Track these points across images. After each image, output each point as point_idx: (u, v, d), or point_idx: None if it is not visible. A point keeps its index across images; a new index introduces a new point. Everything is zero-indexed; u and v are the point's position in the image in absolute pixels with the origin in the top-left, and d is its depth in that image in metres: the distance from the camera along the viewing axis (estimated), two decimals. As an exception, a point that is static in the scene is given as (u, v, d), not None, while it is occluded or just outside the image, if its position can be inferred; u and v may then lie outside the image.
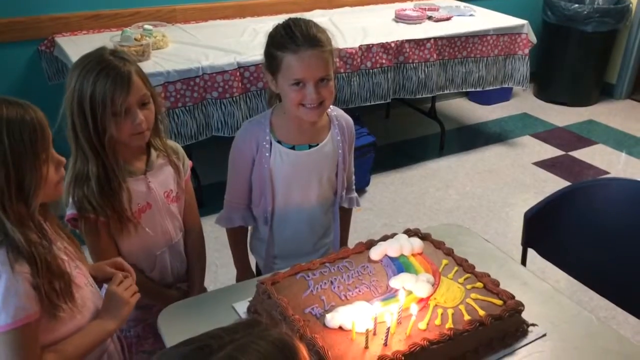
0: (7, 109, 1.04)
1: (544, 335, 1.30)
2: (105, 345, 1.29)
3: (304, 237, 1.68)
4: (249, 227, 1.74)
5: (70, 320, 1.17)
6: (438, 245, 1.49)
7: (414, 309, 1.21)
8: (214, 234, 2.71)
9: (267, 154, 1.55)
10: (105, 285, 1.33)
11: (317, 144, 1.58)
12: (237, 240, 1.73)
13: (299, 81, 1.42)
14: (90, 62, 1.33)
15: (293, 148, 1.56)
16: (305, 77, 1.42)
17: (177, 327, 1.30)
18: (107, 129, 1.34)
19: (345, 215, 1.78)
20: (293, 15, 1.53)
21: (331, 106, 1.61)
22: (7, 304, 1.05)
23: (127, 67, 1.35)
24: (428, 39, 3.26)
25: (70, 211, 1.39)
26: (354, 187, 1.77)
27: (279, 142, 1.56)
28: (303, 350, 0.76)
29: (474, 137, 4.07)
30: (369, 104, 3.20)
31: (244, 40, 3.04)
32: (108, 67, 1.32)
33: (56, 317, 1.13)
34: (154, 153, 1.50)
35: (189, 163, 1.61)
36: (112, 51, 1.38)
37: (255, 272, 1.80)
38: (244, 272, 1.75)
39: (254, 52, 2.83)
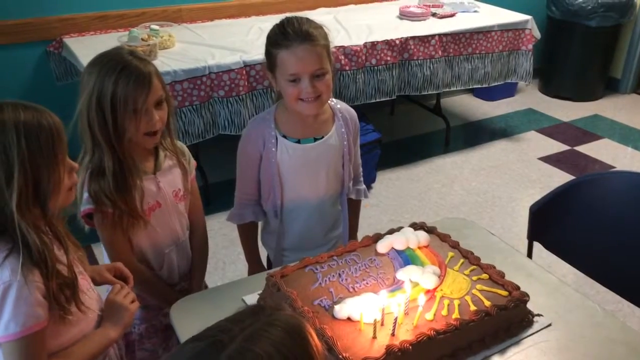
0: (24, 113, 1.06)
1: (549, 325, 1.32)
2: (106, 351, 1.29)
3: (314, 229, 1.70)
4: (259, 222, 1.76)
5: (76, 325, 1.18)
6: (444, 238, 1.51)
7: (421, 299, 1.23)
8: (222, 231, 2.73)
9: (273, 149, 1.58)
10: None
11: (322, 137, 1.61)
12: (248, 235, 1.76)
13: (294, 76, 1.46)
14: (110, 61, 1.35)
15: (298, 142, 1.59)
16: (299, 71, 1.45)
17: (189, 320, 1.32)
18: (127, 129, 1.36)
19: (354, 207, 1.81)
20: (296, 14, 1.56)
21: (334, 99, 1.64)
22: (17, 313, 1.05)
23: (148, 67, 1.38)
24: (432, 36, 3.27)
25: (85, 206, 1.40)
26: (361, 178, 1.80)
27: (284, 136, 1.59)
28: (311, 330, 0.78)
29: (479, 133, 4.08)
30: (374, 100, 3.21)
31: (249, 39, 3.06)
32: (129, 67, 1.34)
33: (64, 321, 1.13)
34: (161, 154, 1.53)
35: (193, 163, 1.64)
36: (131, 51, 1.41)
37: (266, 266, 1.82)
38: (255, 267, 1.77)
39: (260, 51, 2.83)
